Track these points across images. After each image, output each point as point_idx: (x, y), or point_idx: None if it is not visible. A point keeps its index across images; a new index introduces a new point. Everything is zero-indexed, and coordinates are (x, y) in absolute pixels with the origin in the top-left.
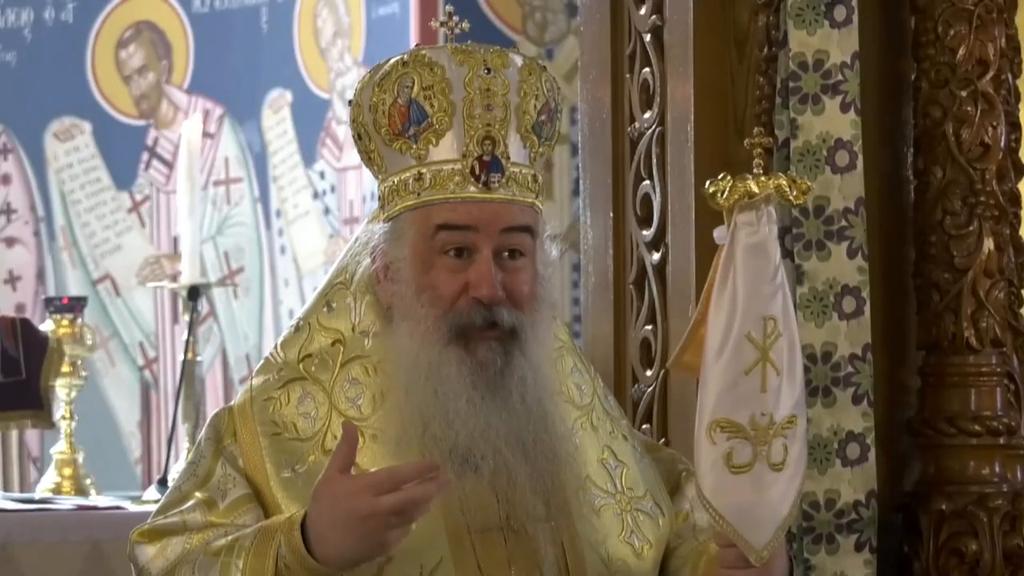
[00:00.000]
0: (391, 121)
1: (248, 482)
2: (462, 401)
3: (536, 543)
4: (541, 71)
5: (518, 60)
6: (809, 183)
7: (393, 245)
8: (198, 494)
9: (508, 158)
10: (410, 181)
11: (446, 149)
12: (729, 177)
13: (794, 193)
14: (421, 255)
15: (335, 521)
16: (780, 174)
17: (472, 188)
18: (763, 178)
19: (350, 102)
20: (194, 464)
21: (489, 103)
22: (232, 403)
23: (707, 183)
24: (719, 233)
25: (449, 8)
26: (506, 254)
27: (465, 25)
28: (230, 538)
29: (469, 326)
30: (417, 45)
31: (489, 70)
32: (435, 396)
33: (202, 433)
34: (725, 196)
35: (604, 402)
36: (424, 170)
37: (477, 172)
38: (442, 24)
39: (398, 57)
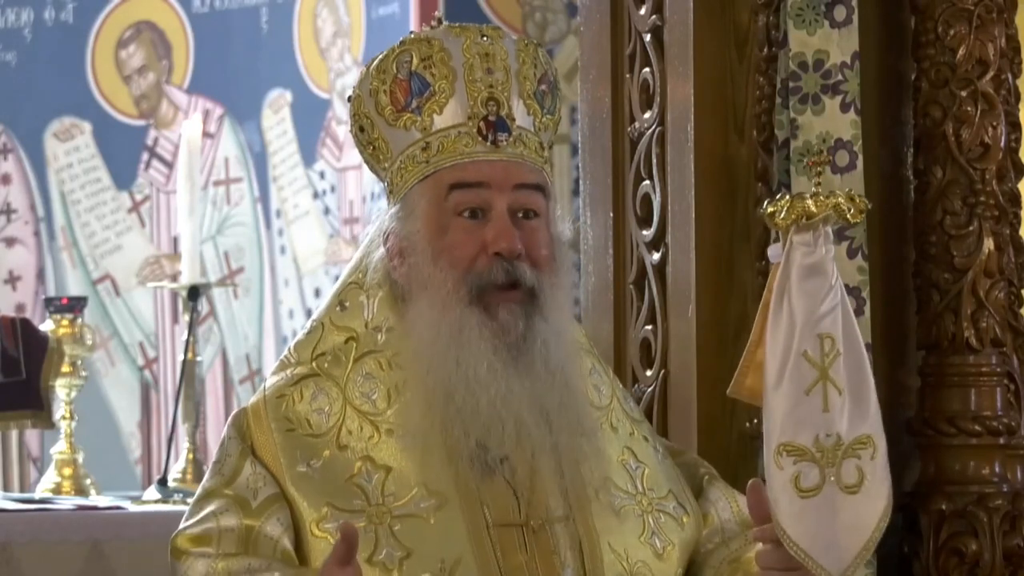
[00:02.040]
0: (393, 98)
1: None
2: (483, 367)
3: (556, 542)
4: (536, 47)
5: (512, 35)
6: (867, 201)
7: (405, 222)
8: (227, 492)
9: (513, 120)
10: (417, 152)
11: (451, 115)
12: (787, 196)
13: (851, 212)
14: (436, 220)
15: None
16: (838, 192)
17: (480, 148)
18: (821, 197)
19: (350, 98)
20: (219, 463)
21: (489, 67)
22: (247, 404)
23: (765, 203)
24: (773, 251)
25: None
26: (520, 214)
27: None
28: None
29: (490, 285)
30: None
31: (485, 36)
32: (457, 365)
33: (224, 432)
34: (783, 216)
35: (624, 404)
36: (431, 139)
37: (484, 132)
38: (439, 21)
39: (393, 45)
